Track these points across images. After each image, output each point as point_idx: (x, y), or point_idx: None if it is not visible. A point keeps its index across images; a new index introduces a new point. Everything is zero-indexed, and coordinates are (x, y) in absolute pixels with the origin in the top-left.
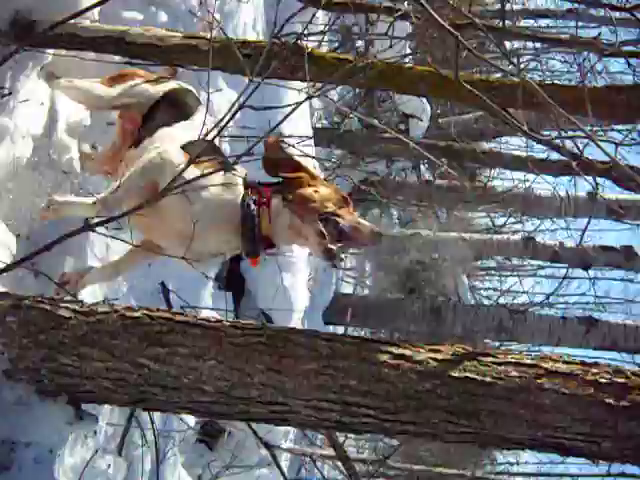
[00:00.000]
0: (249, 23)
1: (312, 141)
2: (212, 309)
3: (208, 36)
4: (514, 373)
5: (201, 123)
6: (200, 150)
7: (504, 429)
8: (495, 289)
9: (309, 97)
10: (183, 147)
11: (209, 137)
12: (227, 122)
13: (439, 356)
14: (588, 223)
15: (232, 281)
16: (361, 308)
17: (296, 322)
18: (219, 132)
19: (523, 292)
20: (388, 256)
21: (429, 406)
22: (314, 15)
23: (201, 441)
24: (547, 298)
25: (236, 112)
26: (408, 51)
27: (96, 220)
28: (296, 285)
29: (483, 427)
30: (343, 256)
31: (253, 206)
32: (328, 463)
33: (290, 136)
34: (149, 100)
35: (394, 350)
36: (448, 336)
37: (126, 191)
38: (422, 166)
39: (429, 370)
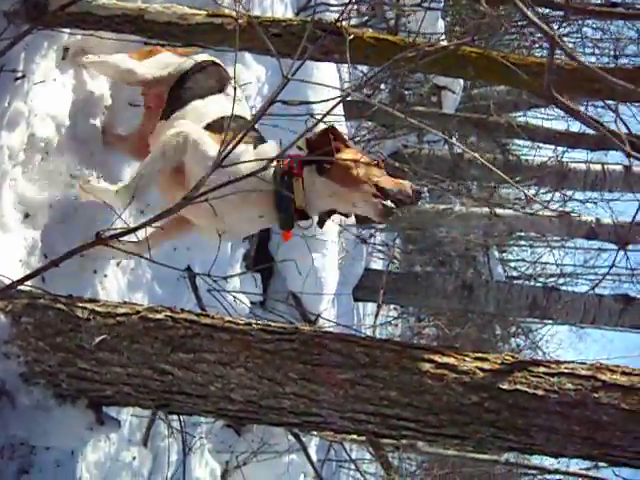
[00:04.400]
0: None
1: (342, 113)
2: (240, 292)
3: (234, 14)
4: (568, 386)
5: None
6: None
7: (557, 446)
8: (524, 260)
9: (345, 95)
10: (214, 123)
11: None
12: (259, 117)
13: (486, 365)
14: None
15: (260, 262)
16: (391, 284)
17: (326, 303)
18: (252, 126)
19: (553, 264)
20: (419, 230)
21: (475, 420)
22: None
23: (229, 426)
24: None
25: (268, 107)
26: (441, 23)
27: (110, 233)
28: (326, 266)
29: (534, 443)
30: (372, 232)
31: (286, 178)
32: (356, 444)
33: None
34: (179, 72)
35: (437, 358)
36: (480, 313)
37: (149, 177)
38: (454, 139)
39: (476, 381)
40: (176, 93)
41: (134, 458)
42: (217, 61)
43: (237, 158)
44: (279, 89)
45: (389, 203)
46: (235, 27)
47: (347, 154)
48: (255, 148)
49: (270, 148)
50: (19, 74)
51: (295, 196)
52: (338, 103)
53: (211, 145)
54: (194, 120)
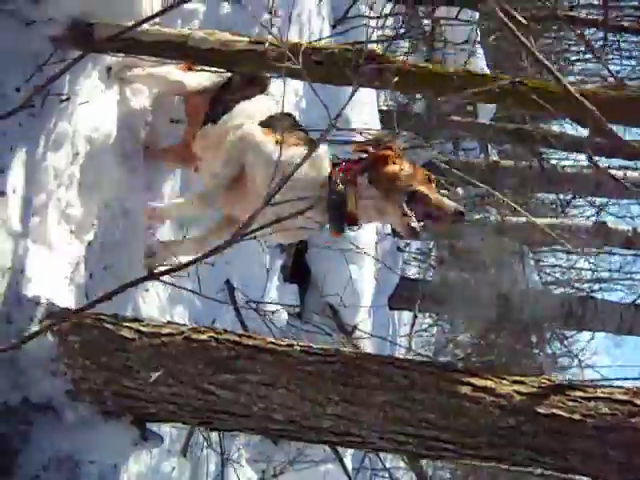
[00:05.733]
0: (314, 10)
1: (378, 124)
2: (277, 304)
3: (275, 42)
4: (605, 410)
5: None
6: (282, 123)
7: (593, 469)
8: (560, 266)
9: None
10: (263, 123)
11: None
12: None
13: (523, 389)
14: None
15: (297, 273)
16: (427, 293)
17: (363, 314)
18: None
19: (589, 269)
20: (455, 239)
21: (512, 443)
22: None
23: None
24: None
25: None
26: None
27: (161, 269)
28: (363, 276)
29: (569, 466)
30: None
31: (340, 185)
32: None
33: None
34: (224, 78)
35: (475, 381)
36: (515, 322)
37: (216, 184)
38: (489, 147)
39: (513, 405)
40: (221, 98)
41: (173, 468)
42: None
43: (293, 161)
44: (325, 131)
45: (416, 224)
46: (277, 54)
47: (397, 166)
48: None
49: (322, 151)
50: (64, 96)
51: (348, 203)
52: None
53: (272, 146)
54: (244, 120)
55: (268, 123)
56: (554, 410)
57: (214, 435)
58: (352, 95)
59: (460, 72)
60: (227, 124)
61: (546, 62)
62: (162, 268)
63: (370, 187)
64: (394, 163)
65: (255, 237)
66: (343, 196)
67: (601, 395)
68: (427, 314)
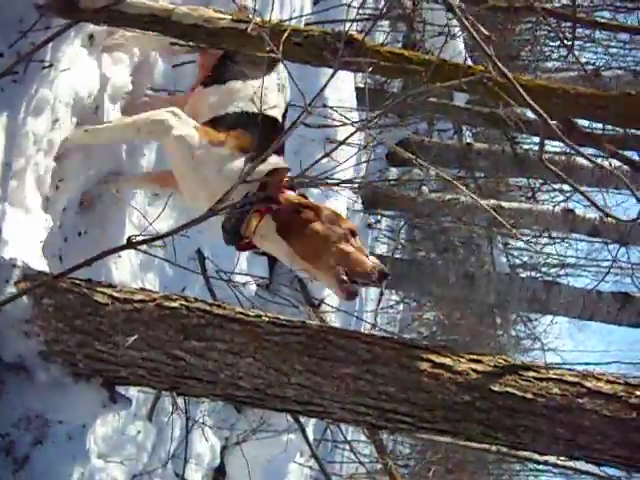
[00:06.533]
0: None
1: (354, 102)
2: (246, 275)
3: (257, 20)
4: (555, 390)
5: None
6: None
7: (541, 446)
8: (528, 250)
9: (363, 147)
10: (225, 116)
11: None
12: (275, 146)
13: (480, 367)
14: None
15: None
16: (394, 270)
17: (330, 290)
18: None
19: (556, 255)
20: (424, 218)
21: (467, 418)
22: None
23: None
24: None
25: (287, 135)
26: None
27: (139, 238)
28: None
29: (520, 442)
30: (379, 217)
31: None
32: (352, 427)
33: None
34: None
35: (435, 358)
36: (480, 303)
37: (115, 134)
38: (463, 129)
39: (469, 382)
40: (224, 64)
41: (139, 432)
42: None
43: (224, 159)
44: (298, 118)
45: (353, 289)
46: (258, 33)
47: (317, 221)
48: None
49: (263, 170)
50: (47, 63)
51: (245, 226)
52: (353, 133)
53: (191, 145)
54: (218, 103)
55: (232, 119)
56: (508, 389)
57: (180, 402)
58: (329, 79)
59: (435, 60)
60: (204, 96)
61: (488, 51)
62: (139, 238)
63: (282, 240)
64: (314, 219)
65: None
66: (243, 219)
67: (552, 376)
68: (394, 291)
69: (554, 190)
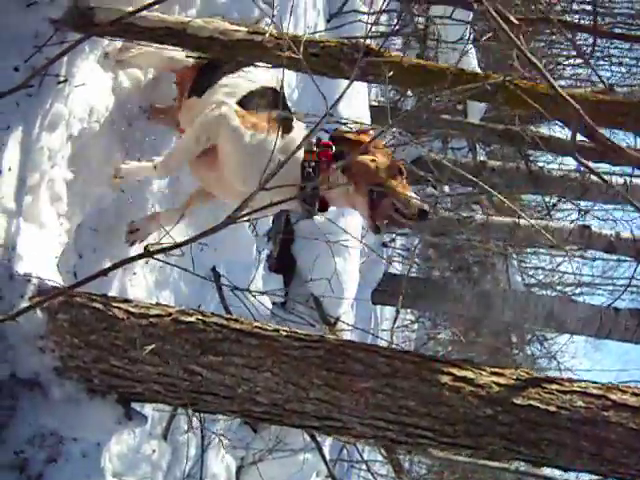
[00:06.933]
0: (309, 2)
1: (369, 119)
2: (262, 293)
3: (273, 32)
4: (580, 403)
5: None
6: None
7: (566, 460)
8: (543, 268)
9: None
10: (242, 101)
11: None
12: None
13: (502, 380)
14: None
15: (283, 263)
16: (410, 289)
17: (346, 307)
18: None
19: (572, 273)
20: (439, 237)
21: (489, 432)
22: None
23: (246, 423)
24: None
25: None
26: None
27: (155, 247)
28: (348, 269)
29: (544, 456)
30: (393, 236)
31: (312, 172)
32: (369, 446)
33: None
34: None
35: (456, 372)
36: (495, 321)
37: (183, 155)
38: (477, 147)
39: (491, 395)
40: (207, 70)
41: (154, 451)
42: None
43: (268, 146)
44: (321, 120)
45: (380, 222)
46: (274, 45)
47: (369, 156)
48: (283, 137)
49: (298, 135)
50: (61, 78)
51: (319, 188)
52: (376, 136)
53: (247, 136)
54: (229, 94)
55: (247, 101)
56: (530, 402)
57: (195, 420)
58: (348, 86)
59: (453, 69)
60: (208, 98)
61: (535, 60)
62: (156, 247)
63: (342, 175)
64: (368, 152)
65: (249, 220)
66: (314, 182)
67: (577, 389)
68: (409, 310)
69: (571, 209)
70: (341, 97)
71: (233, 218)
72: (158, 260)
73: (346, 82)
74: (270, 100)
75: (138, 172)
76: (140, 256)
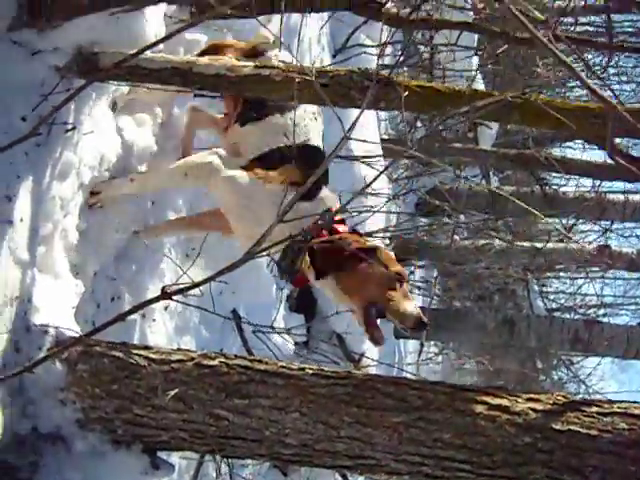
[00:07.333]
0: (314, 37)
1: (380, 152)
2: (284, 332)
3: (281, 66)
4: (622, 425)
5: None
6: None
7: None
8: (564, 292)
9: (392, 197)
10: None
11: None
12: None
13: (539, 406)
14: None
15: (303, 303)
16: (432, 321)
17: (369, 343)
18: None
19: (594, 295)
20: (458, 267)
21: (529, 461)
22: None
23: (275, 467)
24: None
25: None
26: (475, 62)
27: (174, 288)
28: None
29: None
30: (412, 268)
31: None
32: None
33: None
34: None
35: (490, 400)
36: (521, 348)
37: (164, 182)
38: (491, 174)
39: (529, 422)
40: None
41: None
42: None
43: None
44: (339, 145)
45: (380, 333)
46: (282, 78)
47: (368, 267)
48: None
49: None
50: (69, 126)
51: (299, 263)
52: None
53: (243, 185)
54: (260, 140)
55: (273, 156)
56: (570, 426)
57: (223, 466)
58: (360, 113)
59: (466, 90)
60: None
61: (564, 58)
62: (174, 288)
63: (328, 280)
64: (362, 259)
65: (268, 254)
66: (297, 256)
67: (617, 410)
68: (433, 342)
69: (589, 229)
70: (357, 120)
71: (251, 253)
72: (177, 302)
73: (357, 112)
74: (307, 162)
75: (115, 188)
76: (158, 298)
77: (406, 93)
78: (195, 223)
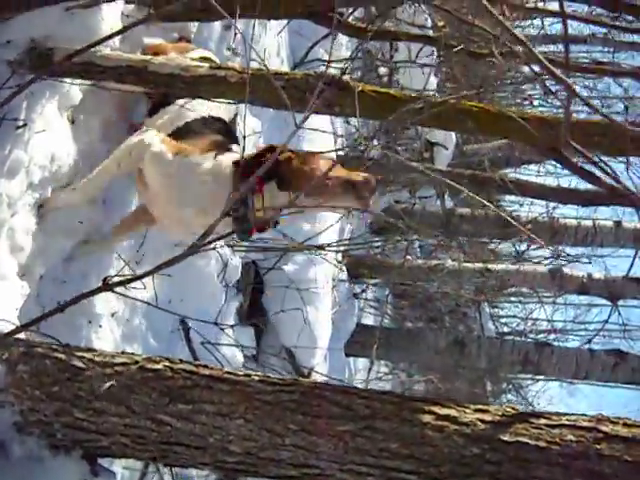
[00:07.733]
0: (273, 50)
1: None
2: (233, 345)
3: (237, 67)
4: (570, 437)
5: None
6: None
7: None
8: (515, 316)
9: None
10: (178, 130)
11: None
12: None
13: (487, 417)
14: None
15: (253, 315)
16: (383, 340)
17: (319, 358)
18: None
19: (545, 320)
20: (410, 286)
21: (477, 472)
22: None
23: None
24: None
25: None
26: (433, 79)
27: (116, 279)
28: (320, 319)
29: None
30: (364, 286)
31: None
32: None
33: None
34: None
35: (438, 410)
36: (472, 369)
37: (102, 176)
38: (446, 195)
39: (477, 433)
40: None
41: None
42: (212, 56)
43: (195, 165)
44: (290, 137)
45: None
46: (238, 80)
47: (306, 163)
48: (215, 157)
49: (230, 157)
50: (20, 123)
51: (252, 213)
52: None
53: (165, 155)
54: (168, 122)
55: (186, 129)
56: (519, 438)
57: (167, 478)
58: (311, 111)
59: (423, 97)
60: (154, 122)
61: (521, 36)
62: (116, 279)
63: (283, 193)
64: (301, 162)
65: (214, 248)
66: (246, 209)
67: (566, 422)
68: (383, 361)
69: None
70: (308, 116)
71: (197, 246)
72: (119, 294)
73: (315, 118)
74: (215, 129)
75: (59, 201)
76: (99, 289)
77: (353, 92)
78: (133, 220)
